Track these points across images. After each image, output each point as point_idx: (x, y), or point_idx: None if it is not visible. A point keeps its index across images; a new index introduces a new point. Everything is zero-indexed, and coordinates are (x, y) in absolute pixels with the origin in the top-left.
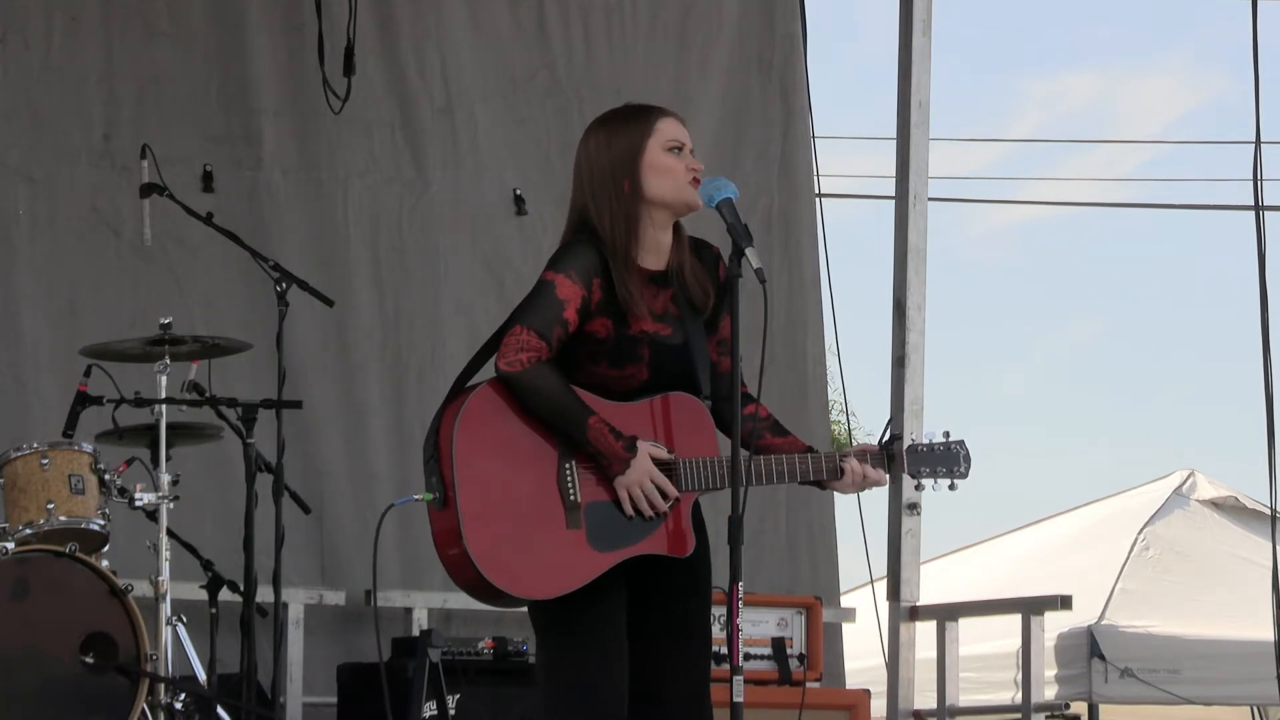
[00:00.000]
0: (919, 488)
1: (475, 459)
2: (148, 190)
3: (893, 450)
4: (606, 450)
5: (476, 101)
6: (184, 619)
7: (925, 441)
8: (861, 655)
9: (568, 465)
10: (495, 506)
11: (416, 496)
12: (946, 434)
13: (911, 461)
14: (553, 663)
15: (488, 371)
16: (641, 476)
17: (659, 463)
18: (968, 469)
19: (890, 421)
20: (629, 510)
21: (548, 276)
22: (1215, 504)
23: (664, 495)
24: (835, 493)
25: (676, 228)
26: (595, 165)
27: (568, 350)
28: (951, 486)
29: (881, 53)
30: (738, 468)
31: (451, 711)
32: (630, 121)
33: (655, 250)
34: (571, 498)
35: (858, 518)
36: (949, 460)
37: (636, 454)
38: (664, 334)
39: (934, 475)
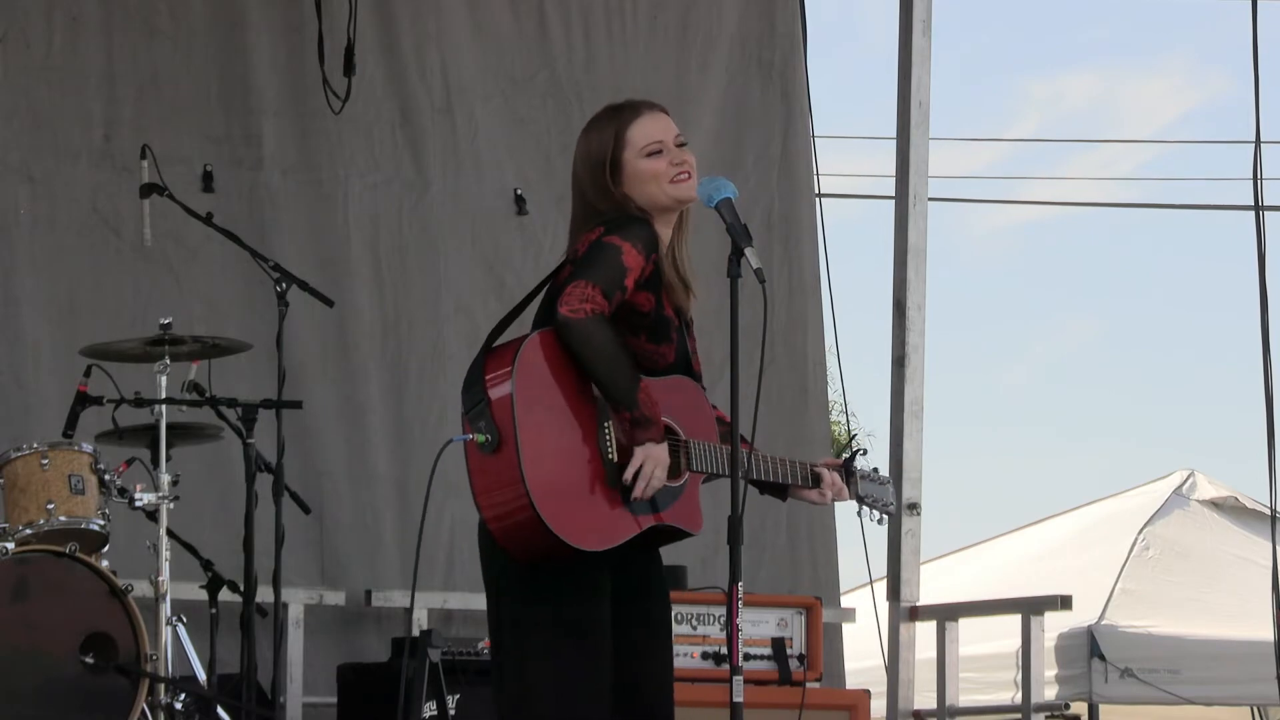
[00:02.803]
0: (859, 513)
1: (531, 405)
2: (147, 190)
3: (852, 468)
4: (653, 415)
5: (477, 101)
6: (184, 619)
7: (871, 470)
8: (861, 655)
9: (605, 425)
10: (549, 453)
11: (470, 435)
12: (875, 469)
13: (863, 486)
14: (543, 657)
15: (515, 333)
16: (662, 457)
17: (673, 436)
18: (896, 507)
19: (854, 437)
20: (628, 474)
21: (614, 241)
22: (1215, 504)
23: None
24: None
25: (679, 223)
26: (579, 179)
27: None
28: (880, 521)
29: (881, 53)
30: (736, 469)
31: (451, 711)
32: (603, 129)
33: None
34: (610, 457)
35: (858, 518)
36: (882, 493)
37: (664, 440)
38: (676, 323)
39: (873, 505)
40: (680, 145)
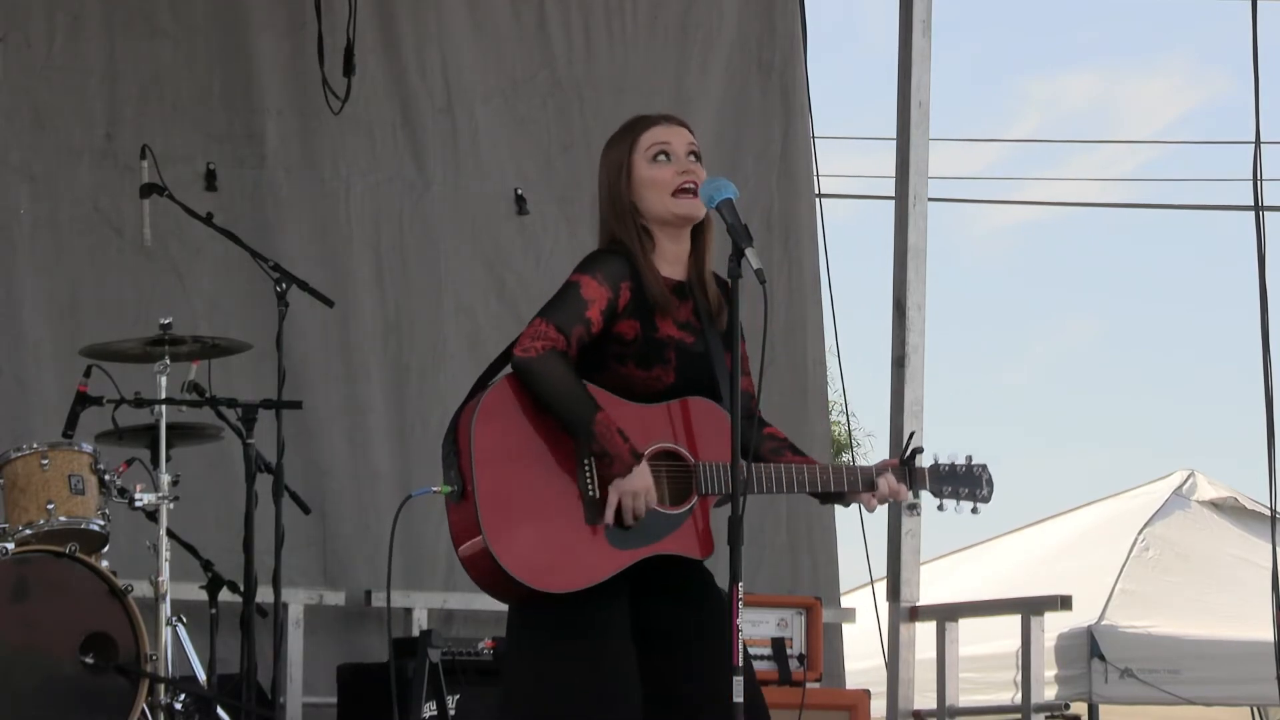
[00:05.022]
0: (940, 508)
1: (494, 452)
2: (147, 190)
3: (915, 466)
4: (612, 449)
5: (477, 101)
6: (184, 619)
7: (947, 462)
8: (861, 655)
9: (587, 461)
10: (514, 499)
11: (434, 488)
12: (969, 457)
13: (933, 480)
14: (551, 665)
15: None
16: (640, 488)
17: (679, 461)
18: (990, 493)
19: (911, 435)
20: (609, 516)
21: (574, 278)
22: (1215, 504)
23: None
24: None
25: (697, 237)
26: (602, 185)
27: (594, 351)
28: (974, 510)
29: (881, 53)
30: (736, 469)
31: (451, 711)
32: (620, 140)
33: (674, 260)
34: (590, 494)
35: (858, 518)
36: (971, 483)
37: (640, 464)
38: (688, 341)
39: (956, 497)
40: (692, 158)
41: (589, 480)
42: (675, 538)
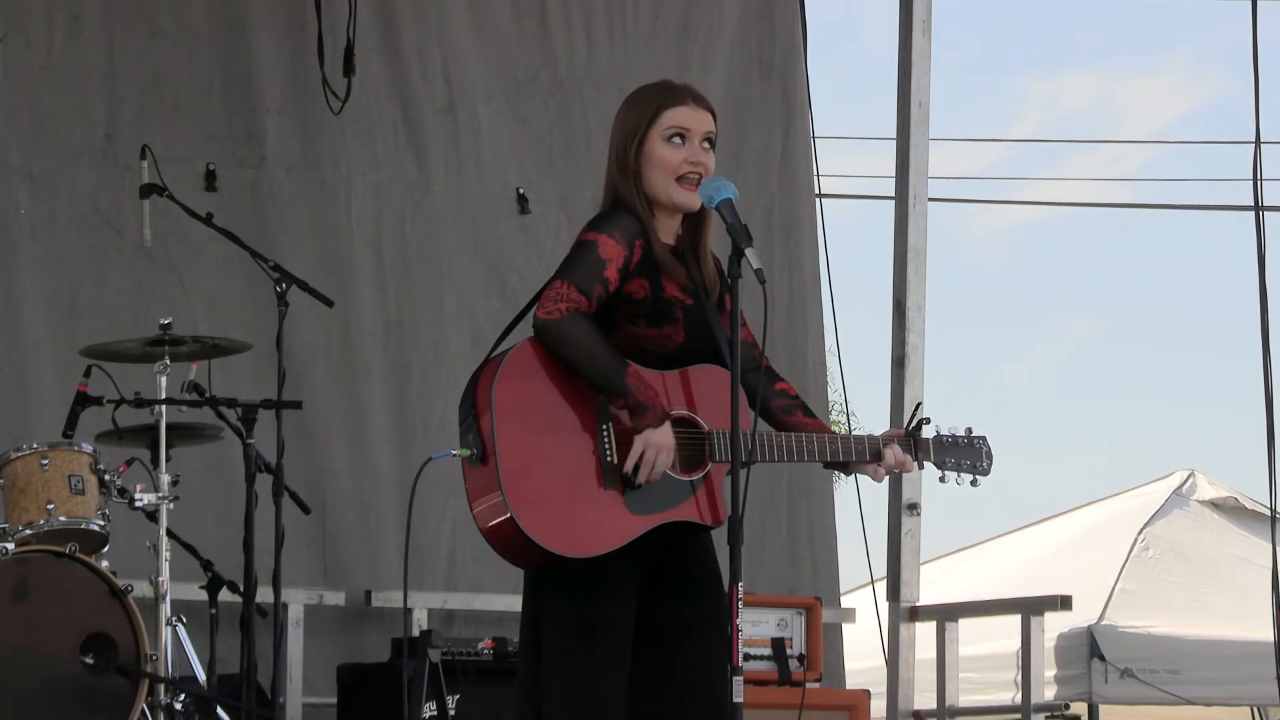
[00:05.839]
0: (942, 479)
1: (515, 412)
2: (147, 191)
3: (920, 437)
4: (645, 400)
5: (479, 101)
6: (184, 619)
7: (949, 433)
8: (861, 655)
9: (605, 426)
10: (534, 462)
11: (454, 452)
12: (969, 429)
13: (937, 451)
14: (557, 657)
15: (522, 335)
16: (665, 443)
17: (693, 429)
18: (990, 465)
19: (918, 406)
20: (629, 465)
21: (590, 237)
22: (1215, 504)
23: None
24: (856, 478)
25: (692, 218)
26: (614, 142)
27: (604, 312)
28: (974, 483)
29: (881, 53)
30: (737, 463)
31: (451, 711)
32: (644, 104)
33: (667, 231)
34: (609, 459)
35: (858, 518)
36: (972, 454)
37: (668, 420)
38: (688, 302)
39: (958, 469)
40: (706, 144)
41: (608, 445)
42: (689, 504)
